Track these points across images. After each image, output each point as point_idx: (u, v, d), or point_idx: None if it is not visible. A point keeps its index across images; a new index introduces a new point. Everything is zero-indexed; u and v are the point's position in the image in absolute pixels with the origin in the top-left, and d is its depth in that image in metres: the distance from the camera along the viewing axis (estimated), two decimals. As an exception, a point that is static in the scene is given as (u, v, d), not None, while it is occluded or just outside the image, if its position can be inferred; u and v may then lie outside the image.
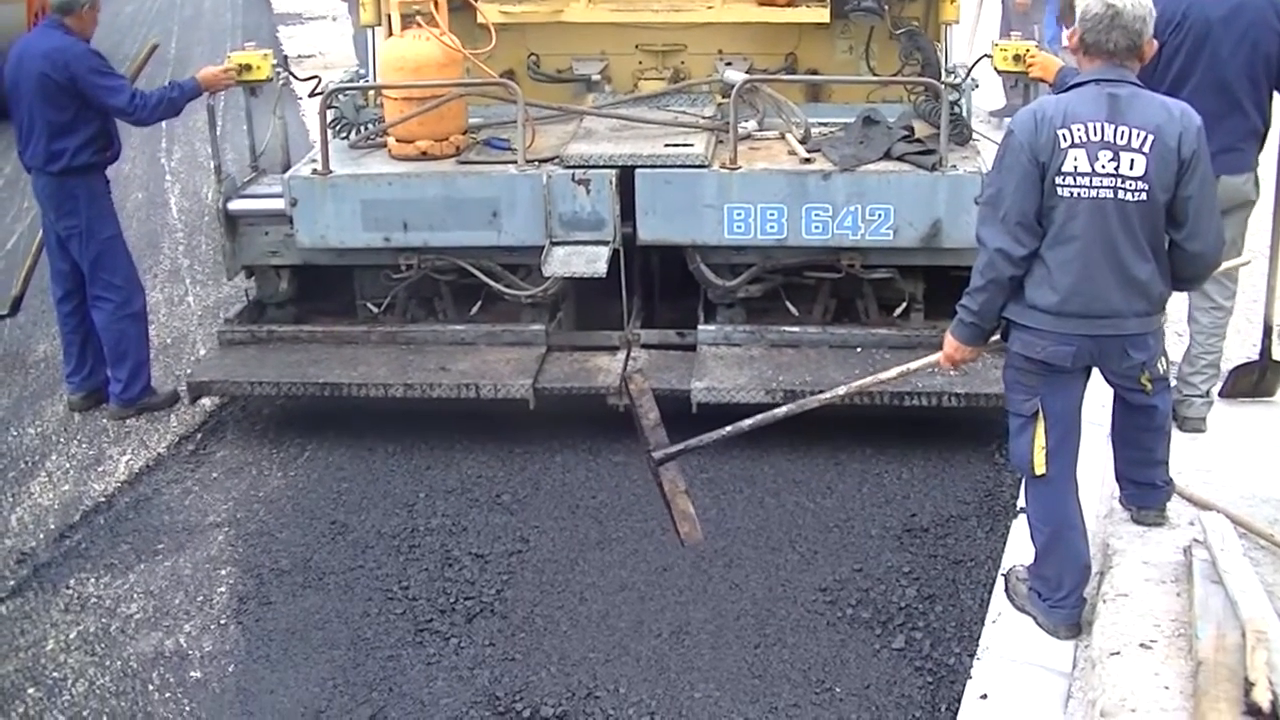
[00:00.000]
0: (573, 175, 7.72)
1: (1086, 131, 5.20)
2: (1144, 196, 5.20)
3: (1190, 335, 7.23)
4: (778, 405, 6.49)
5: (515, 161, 7.87)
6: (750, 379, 7.56)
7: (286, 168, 8.58)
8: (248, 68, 8.36)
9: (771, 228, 7.70)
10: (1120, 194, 5.20)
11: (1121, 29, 5.28)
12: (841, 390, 6.30)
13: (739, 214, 7.68)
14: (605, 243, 7.72)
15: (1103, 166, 5.19)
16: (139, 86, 8.20)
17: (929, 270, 7.96)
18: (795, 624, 6.10)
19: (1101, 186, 5.20)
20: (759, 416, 6.17)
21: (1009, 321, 5.49)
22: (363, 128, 8.72)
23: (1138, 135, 5.19)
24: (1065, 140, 5.20)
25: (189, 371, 8.56)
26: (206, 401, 8.40)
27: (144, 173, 13.89)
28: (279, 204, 8.17)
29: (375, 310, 8.43)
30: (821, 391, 6.47)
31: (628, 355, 7.96)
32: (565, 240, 7.75)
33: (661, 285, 8.58)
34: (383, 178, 7.97)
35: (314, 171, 8.00)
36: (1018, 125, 5.37)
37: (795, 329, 8.00)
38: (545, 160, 7.91)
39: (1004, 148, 5.39)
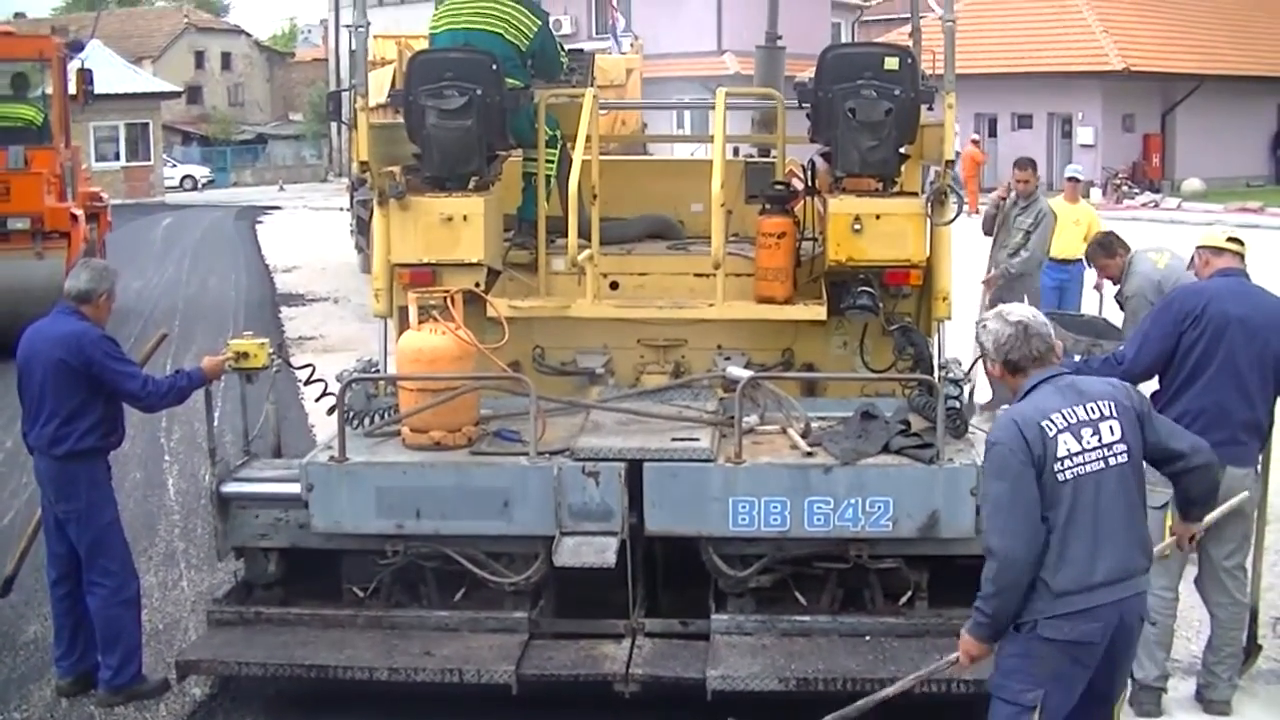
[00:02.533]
0: (583, 468, 7.89)
1: (1064, 417, 5.58)
2: (1126, 457, 5.61)
3: (1212, 628, 7.68)
4: (792, 693, 7.04)
5: (527, 453, 8.04)
6: (764, 667, 7.62)
7: (278, 452, 8.84)
8: (245, 355, 8.59)
9: (775, 520, 7.83)
10: (1110, 461, 5.57)
11: (1037, 336, 5.78)
12: (893, 690, 6.80)
13: (744, 506, 7.82)
14: (614, 533, 7.86)
15: (1088, 442, 5.56)
16: (147, 372, 8.39)
17: (933, 559, 8.10)
18: None
19: (1093, 460, 5.55)
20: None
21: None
22: (375, 416, 8.90)
23: (1103, 405, 5.65)
24: (1051, 429, 5.54)
25: (178, 650, 8.55)
26: (196, 691, 8.36)
27: (143, 452, 14.02)
28: (270, 488, 8.38)
29: (361, 594, 8.47)
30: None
31: (633, 643, 8.02)
32: (575, 530, 7.88)
33: (664, 573, 8.66)
34: (397, 466, 8.14)
35: (331, 458, 8.15)
36: (1002, 435, 5.62)
37: (805, 618, 8.09)
38: (556, 452, 8.09)
39: (992, 461, 5.58)
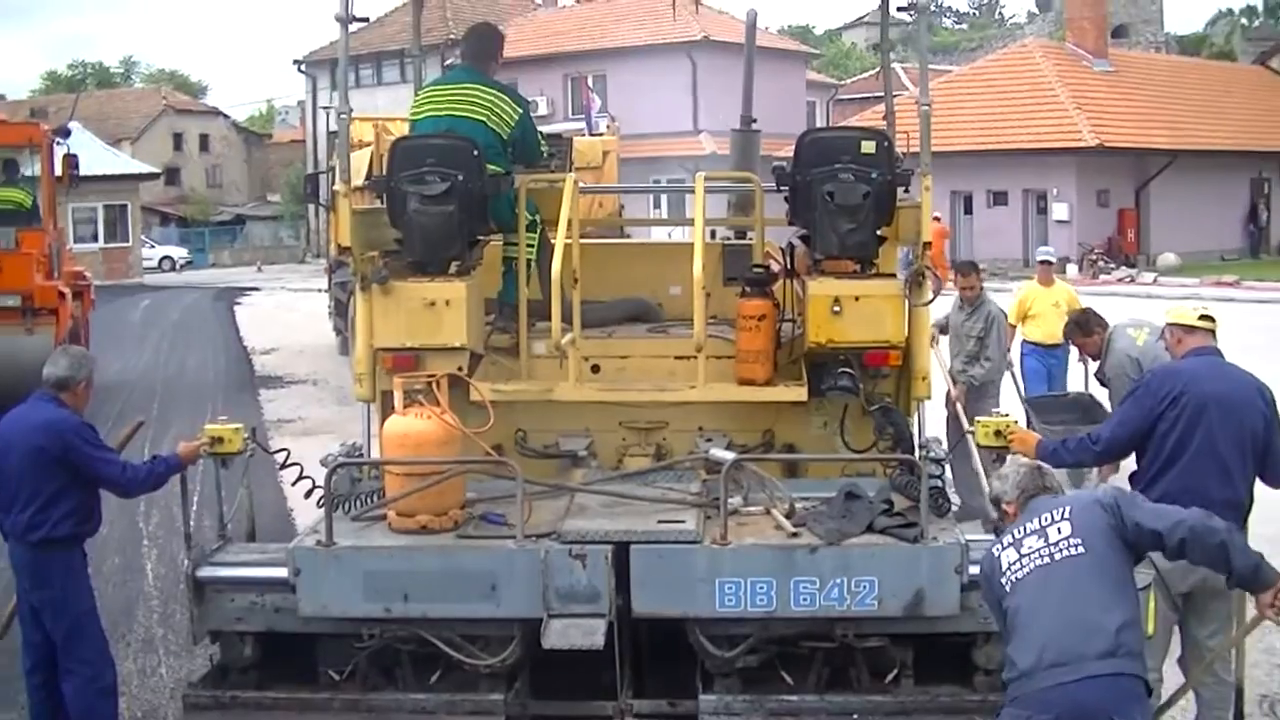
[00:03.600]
0: (570, 550, 7.92)
1: (1013, 535, 6.17)
2: (1080, 549, 5.89)
3: (1198, 708, 7.78)
4: None
5: (514, 536, 8.07)
6: None
7: (253, 536, 8.94)
8: (220, 440, 8.67)
9: (761, 600, 7.86)
10: (1056, 557, 5.91)
11: (1048, 474, 6.39)
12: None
13: (730, 587, 7.84)
14: (601, 615, 7.86)
15: (1028, 547, 6.03)
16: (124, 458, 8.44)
17: (918, 637, 8.12)
18: None
19: (1035, 560, 5.99)
20: None
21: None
22: (361, 500, 8.94)
23: (1055, 512, 6.06)
24: (997, 550, 6.20)
25: None
26: (175, 778, 8.31)
27: (121, 537, 14.01)
28: (244, 571, 8.42)
29: (336, 678, 8.45)
30: None
31: None
32: (562, 613, 7.89)
33: (650, 654, 8.68)
34: (384, 550, 8.17)
35: (318, 543, 8.16)
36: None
37: (793, 697, 8.11)
38: (543, 535, 8.12)
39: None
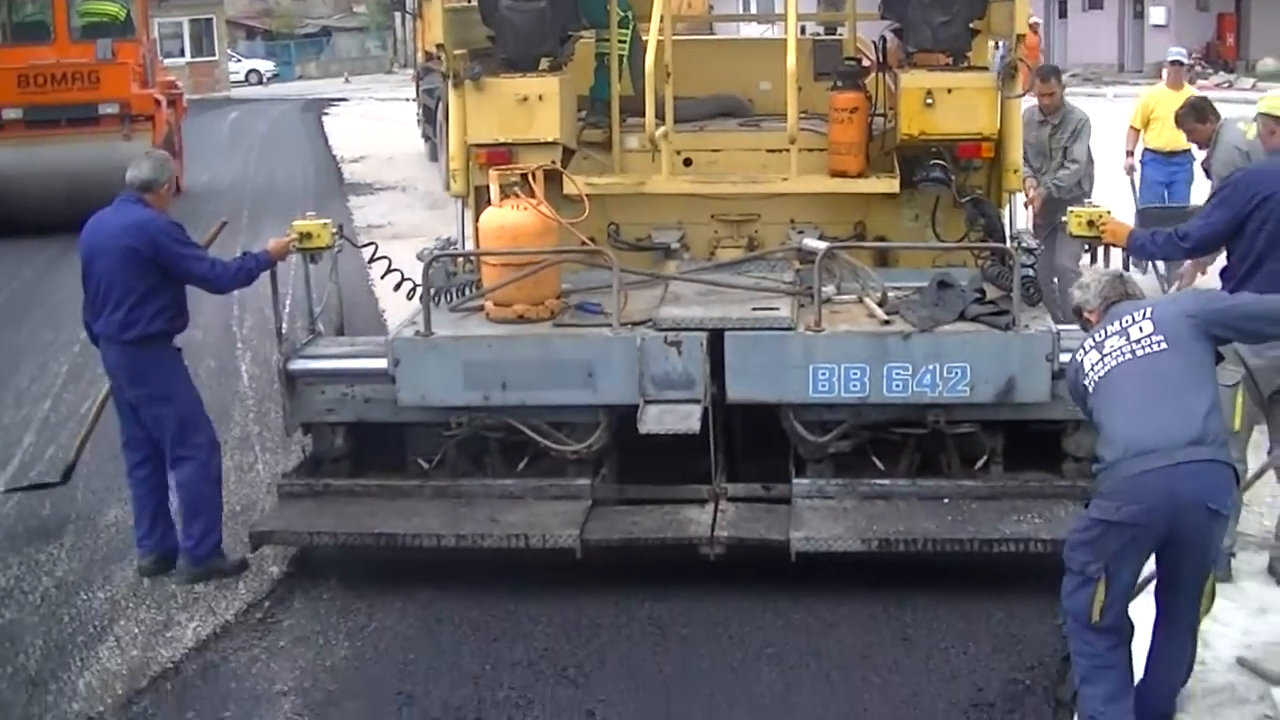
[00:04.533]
0: (665, 338, 8.06)
1: (1093, 339, 6.16)
2: (1164, 345, 5.87)
3: None
4: (874, 554, 7.45)
5: (610, 324, 8.21)
6: (846, 529, 7.84)
7: (341, 330, 9.13)
8: (308, 236, 8.79)
9: (854, 386, 7.98)
10: (1138, 353, 5.91)
11: (1130, 282, 6.37)
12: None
13: (823, 374, 7.97)
14: (696, 401, 8.01)
15: (1111, 346, 6.00)
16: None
17: (1007, 424, 8.24)
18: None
19: (1117, 357, 5.98)
20: None
21: None
22: (455, 292, 9.10)
23: (1135, 313, 6.04)
24: (1080, 354, 6.20)
25: (251, 521, 8.86)
26: (274, 569, 8.55)
27: (216, 341, 14.21)
28: (335, 364, 8.67)
29: (426, 466, 8.70)
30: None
31: (716, 507, 8.20)
32: (658, 399, 8.04)
33: (742, 443, 8.83)
34: (483, 340, 8.34)
35: (416, 333, 8.34)
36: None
37: (885, 481, 8.29)
38: (638, 323, 8.25)
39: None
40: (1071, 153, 12.55)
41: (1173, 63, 15.50)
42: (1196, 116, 10.95)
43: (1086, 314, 6.35)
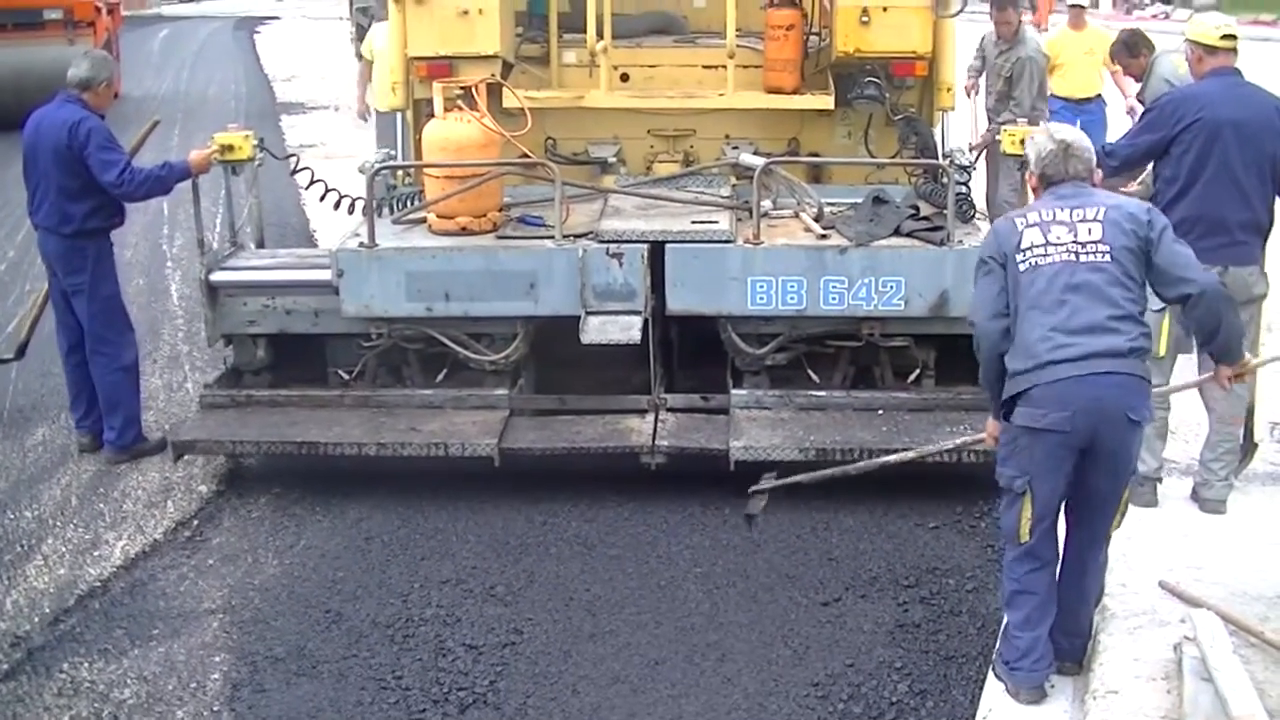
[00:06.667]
0: (607, 249, 8.20)
1: (1040, 215, 5.86)
2: (1105, 258, 5.75)
3: (1209, 424, 7.69)
4: (811, 462, 7.68)
5: (552, 236, 8.31)
6: (784, 439, 8.02)
7: (261, 243, 9.28)
8: (230, 148, 8.88)
9: (792, 299, 8.20)
10: (1080, 257, 5.75)
11: (1076, 158, 5.97)
12: (912, 453, 7.55)
13: (762, 286, 8.17)
14: (637, 312, 8.18)
15: (1055, 237, 5.78)
16: (139, 161, 8.76)
17: (939, 339, 8.45)
18: (787, 718, 6.10)
19: (1056, 253, 5.77)
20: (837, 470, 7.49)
21: None
22: (396, 204, 9.19)
23: (1090, 211, 5.82)
24: (1020, 224, 5.88)
25: (169, 429, 9.04)
26: (203, 488, 8.59)
27: (145, 259, 14.11)
28: (256, 275, 8.80)
29: (346, 377, 8.86)
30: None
31: (656, 417, 8.39)
32: (600, 310, 8.20)
33: (680, 357, 9.04)
34: (426, 251, 8.45)
35: (360, 245, 8.41)
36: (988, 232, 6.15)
37: (821, 393, 8.49)
38: (580, 236, 8.39)
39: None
40: (1016, 92, 12.43)
41: (1072, 5, 14.68)
42: (1129, 51, 10.93)
43: (1028, 174, 6.27)
